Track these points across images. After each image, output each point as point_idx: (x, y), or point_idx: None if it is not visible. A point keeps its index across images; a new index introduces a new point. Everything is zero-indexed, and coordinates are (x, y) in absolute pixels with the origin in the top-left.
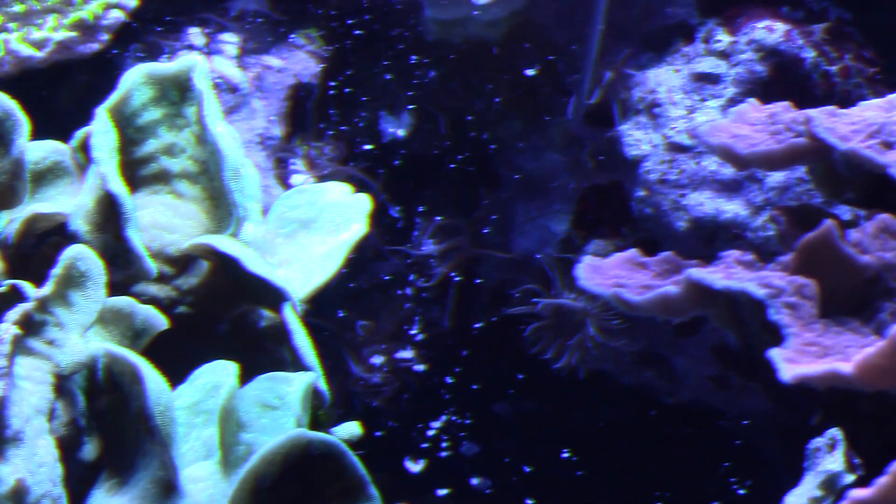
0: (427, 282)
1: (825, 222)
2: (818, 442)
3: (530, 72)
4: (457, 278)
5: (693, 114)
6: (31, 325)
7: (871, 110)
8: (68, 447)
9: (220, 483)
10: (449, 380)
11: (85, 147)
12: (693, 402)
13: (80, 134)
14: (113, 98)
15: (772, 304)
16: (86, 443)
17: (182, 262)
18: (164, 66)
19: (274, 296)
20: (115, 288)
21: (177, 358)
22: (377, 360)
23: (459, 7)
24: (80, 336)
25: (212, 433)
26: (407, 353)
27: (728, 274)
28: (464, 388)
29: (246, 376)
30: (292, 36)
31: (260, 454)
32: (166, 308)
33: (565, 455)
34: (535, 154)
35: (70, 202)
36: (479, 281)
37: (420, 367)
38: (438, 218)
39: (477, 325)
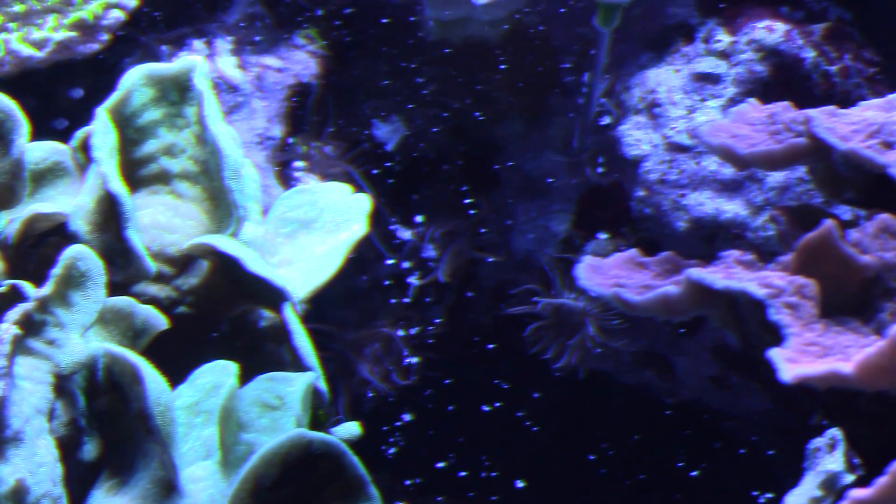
0: (426, 283)
1: (825, 222)
2: (818, 442)
3: (530, 72)
4: (456, 281)
5: (693, 114)
6: (31, 325)
7: (871, 110)
8: (68, 447)
9: (220, 483)
10: (449, 380)
11: (85, 147)
12: (693, 402)
13: (80, 134)
14: (113, 98)
15: (772, 304)
16: (86, 443)
17: (182, 263)
18: (165, 67)
19: (274, 296)
20: (115, 288)
21: (177, 358)
22: (379, 360)
23: (459, 7)
24: (81, 336)
25: (212, 433)
26: (408, 354)
27: (728, 274)
28: (464, 389)
29: (246, 376)
30: (293, 36)
31: (260, 454)
32: (166, 308)
33: (565, 455)
34: (535, 154)
35: (70, 202)
36: (479, 282)
37: (421, 368)
38: (438, 222)
39: (477, 326)
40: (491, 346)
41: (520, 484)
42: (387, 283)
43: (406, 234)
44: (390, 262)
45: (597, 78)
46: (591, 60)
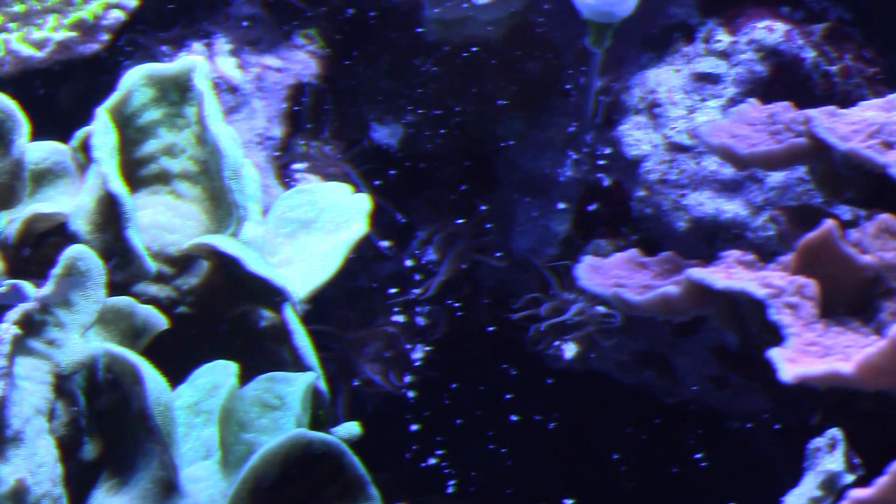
0: (426, 289)
1: (825, 222)
2: (818, 442)
3: (530, 72)
4: (457, 282)
5: (693, 114)
6: (31, 325)
7: (871, 110)
8: (68, 447)
9: (220, 483)
10: (450, 379)
11: (85, 147)
12: (693, 402)
13: (80, 134)
14: (113, 98)
15: (772, 304)
16: (86, 443)
17: (182, 263)
18: (165, 67)
19: (274, 296)
20: (115, 288)
21: (177, 358)
22: (381, 359)
23: (459, 7)
24: (81, 336)
25: (212, 433)
26: (410, 354)
27: (728, 274)
28: (464, 389)
29: (246, 376)
30: (293, 36)
31: (260, 454)
32: (166, 308)
33: (564, 455)
34: (535, 154)
35: (70, 202)
36: (479, 281)
37: (422, 369)
38: (438, 224)
39: (478, 326)
40: (490, 343)
41: (519, 484)
42: (388, 283)
43: (406, 234)
44: (390, 273)
45: (590, 97)
46: (585, 80)
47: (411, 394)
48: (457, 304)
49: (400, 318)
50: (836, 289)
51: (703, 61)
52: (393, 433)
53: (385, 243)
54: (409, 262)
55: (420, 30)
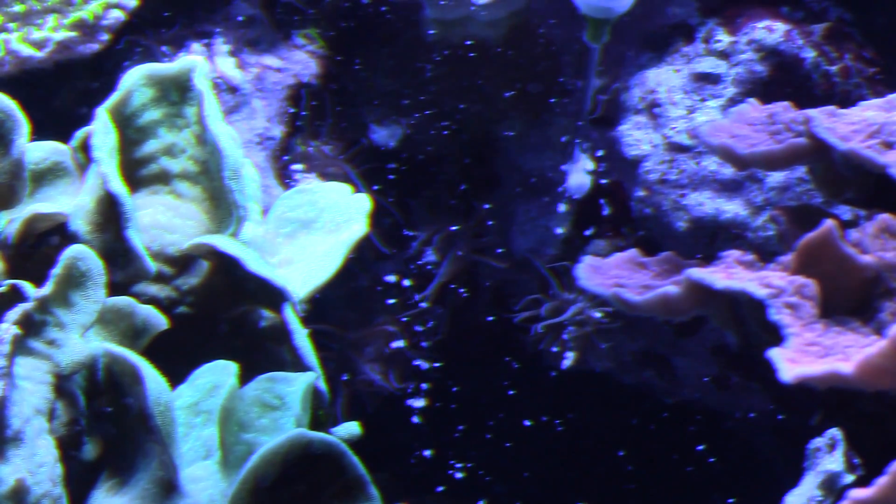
0: (424, 290)
1: (825, 222)
2: (818, 442)
3: (530, 72)
4: (457, 282)
5: (693, 114)
6: (31, 325)
7: (871, 110)
8: (68, 447)
9: (220, 483)
10: (450, 379)
11: (85, 147)
12: (693, 402)
13: (80, 134)
14: (113, 98)
15: (772, 304)
16: (86, 443)
17: (182, 263)
18: (165, 67)
19: (274, 296)
20: (115, 288)
21: (177, 358)
22: (381, 359)
23: (459, 7)
24: (81, 336)
25: (212, 433)
26: (410, 355)
27: (728, 274)
28: (464, 390)
29: (246, 376)
30: (293, 36)
31: (260, 454)
32: (166, 308)
33: (564, 455)
34: (536, 154)
35: (70, 202)
36: (479, 281)
37: (423, 369)
38: (437, 225)
39: (478, 327)
40: (490, 343)
41: (519, 484)
42: (389, 283)
43: (408, 235)
44: (390, 274)
45: (588, 92)
46: (583, 77)
47: (412, 393)
48: (458, 301)
49: (401, 336)
50: (836, 289)
51: (703, 61)
52: (393, 433)
53: (386, 243)
54: (406, 283)
55: (420, 30)
